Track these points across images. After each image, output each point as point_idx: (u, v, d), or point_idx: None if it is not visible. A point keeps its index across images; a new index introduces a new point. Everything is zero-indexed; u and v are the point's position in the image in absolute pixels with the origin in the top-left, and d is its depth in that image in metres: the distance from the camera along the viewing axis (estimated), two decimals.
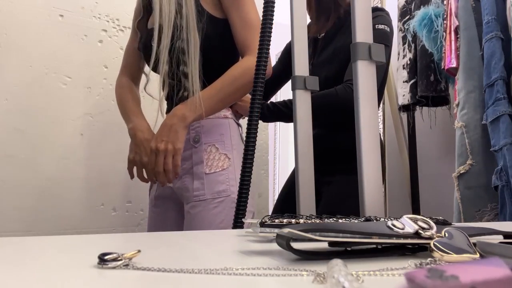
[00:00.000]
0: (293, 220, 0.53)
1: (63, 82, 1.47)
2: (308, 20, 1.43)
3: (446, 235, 0.37)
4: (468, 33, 1.49)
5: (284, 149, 3.36)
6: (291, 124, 0.92)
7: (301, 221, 0.52)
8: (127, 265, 0.34)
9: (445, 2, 1.66)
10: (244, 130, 0.88)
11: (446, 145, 2.03)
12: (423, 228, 0.39)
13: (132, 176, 1.15)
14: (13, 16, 1.41)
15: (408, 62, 1.95)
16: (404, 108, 2.01)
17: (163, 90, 1.11)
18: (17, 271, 0.34)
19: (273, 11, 0.83)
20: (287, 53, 1.50)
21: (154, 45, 1.09)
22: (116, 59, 1.52)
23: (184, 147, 1.09)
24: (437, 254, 0.35)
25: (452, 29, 1.58)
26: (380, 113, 2.14)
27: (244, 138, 0.84)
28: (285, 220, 0.52)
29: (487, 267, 0.20)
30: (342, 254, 0.40)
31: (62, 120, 1.46)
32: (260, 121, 0.88)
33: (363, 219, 0.54)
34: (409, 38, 1.94)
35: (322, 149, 1.16)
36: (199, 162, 1.12)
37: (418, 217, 0.41)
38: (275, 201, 1.46)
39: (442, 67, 1.64)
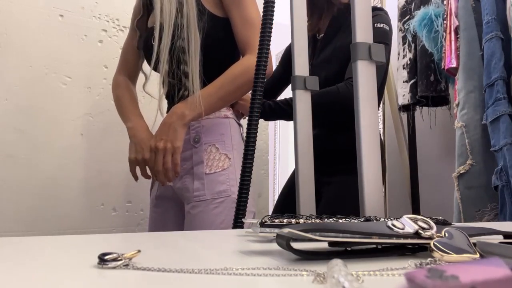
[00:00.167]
0: (293, 220, 0.53)
1: (63, 82, 1.47)
2: None
3: (446, 235, 0.37)
4: (468, 33, 1.49)
5: (284, 149, 3.36)
6: (291, 124, 0.92)
7: (301, 221, 0.52)
8: (127, 265, 0.34)
9: (445, 2, 1.66)
10: (245, 130, 0.88)
11: (446, 145, 2.03)
12: (423, 228, 0.39)
13: (136, 178, 1.14)
14: (13, 16, 1.40)
15: (408, 62, 1.95)
16: (404, 108, 2.01)
17: (163, 89, 1.11)
18: (17, 271, 0.34)
19: (273, 10, 0.83)
20: (288, 56, 1.49)
21: (155, 44, 1.09)
22: (116, 59, 1.51)
23: (184, 147, 1.09)
24: (437, 254, 0.35)
25: (452, 29, 1.58)
26: (380, 113, 2.14)
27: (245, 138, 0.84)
28: (285, 220, 0.52)
29: (487, 267, 0.20)
30: (342, 254, 0.40)
31: (62, 120, 1.46)
32: (260, 121, 0.88)
33: (363, 219, 0.54)
34: (409, 38, 1.94)
35: (322, 149, 1.16)
36: (199, 162, 1.12)
37: (418, 217, 0.41)
38: (275, 201, 1.46)
39: (442, 67, 1.64)
